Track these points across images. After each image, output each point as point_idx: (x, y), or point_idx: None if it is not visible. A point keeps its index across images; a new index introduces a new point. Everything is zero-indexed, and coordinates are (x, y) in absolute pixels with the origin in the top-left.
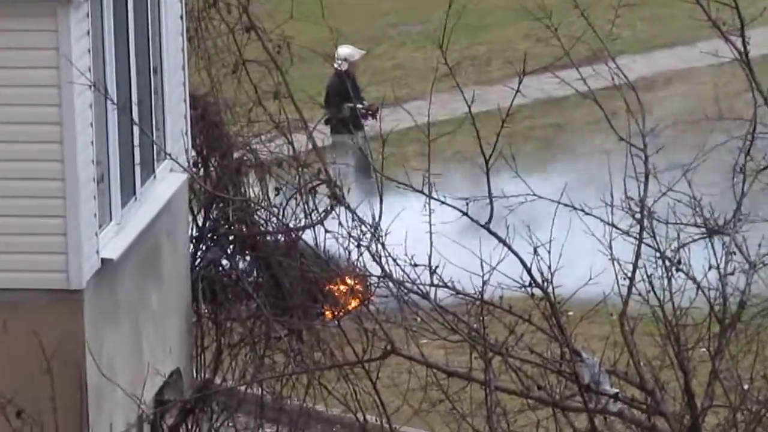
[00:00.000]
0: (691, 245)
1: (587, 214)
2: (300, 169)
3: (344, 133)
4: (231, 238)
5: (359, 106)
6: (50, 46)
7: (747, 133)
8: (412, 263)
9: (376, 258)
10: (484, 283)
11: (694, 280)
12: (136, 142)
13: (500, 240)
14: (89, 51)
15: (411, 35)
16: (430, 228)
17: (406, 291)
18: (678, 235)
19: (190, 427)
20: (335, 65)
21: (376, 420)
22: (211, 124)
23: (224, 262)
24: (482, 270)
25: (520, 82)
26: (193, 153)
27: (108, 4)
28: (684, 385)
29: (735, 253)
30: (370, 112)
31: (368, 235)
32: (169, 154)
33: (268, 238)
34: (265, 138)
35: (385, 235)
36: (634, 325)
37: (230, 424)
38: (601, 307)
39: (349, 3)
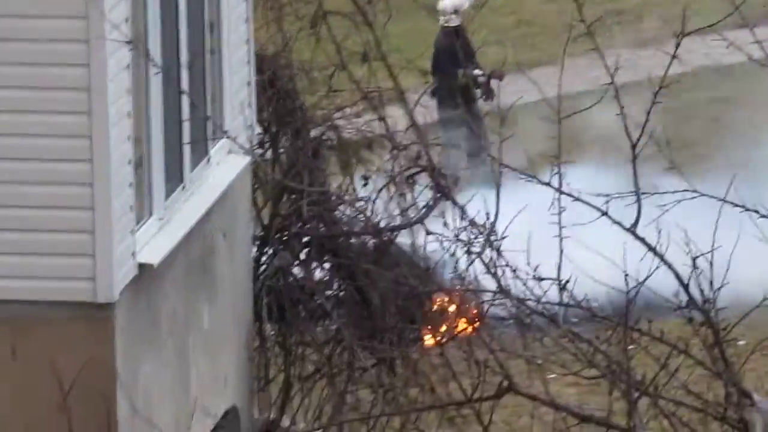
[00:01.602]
0: None
1: (762, 216)
2: (395, 153)
3: (454, 107)
4: (305, 239)
5: (476, 72)
6: None
7: None
8: (537, 276)
9: (491, 268)
10: (630, 302)
11: None
12: (186, 115)
13: (650, 248)
14: None
15: None
16: (560, 231)
17: (528, 311)
18: None
19: None
20: (441, 20)
21: None
22: (281, 93)
23: (296, 270)
24: (627, 286)
25: (677, 45)
26: (259, 130)
27: None
28: None
29: None
30: (492, 79)
31: (481, 239)
32: (227, 132)
33: (353, 240)
34: (351, 112)
35: (503, 239)
36: None
37: None
38: None
39: None
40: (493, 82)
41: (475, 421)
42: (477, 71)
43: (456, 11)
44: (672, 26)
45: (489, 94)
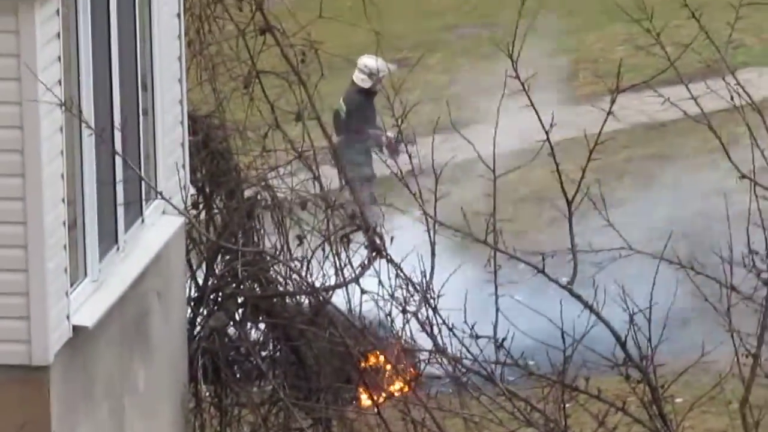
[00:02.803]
0: None
1: (699, 273)
2: (329, 212)
3: (361, 164)
4: (240, 300)
5: (388, 134)
6: (9, 52)
7: None
8: (473, 334)
9: (427, 327)
10: (566, 360)
11: None
12: (119, 176)
13: (586, 305)
14: (59, 59)
15: (474, 41)
16: (496, 289)
17: (465, 370)
18: None
19: None
20: (357, 78)
21: None
22: (215, 153)
23: (231, 330)
24: (563, 344)
25: (613, 102)
26: (193, 191)
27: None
28: None
29: None
30: (400, 142)
31: (417, 297)
32: (161, 193)
33: (288, 300)
34: (285, 171)
35: (438, 297)
36: (760, 417)
37: None
38: (717, 393)
39: None
40: (401, 145)
41: None
42: (388, 133)
43: (372, 74)
44: (606, 83)
45: (395, 154)
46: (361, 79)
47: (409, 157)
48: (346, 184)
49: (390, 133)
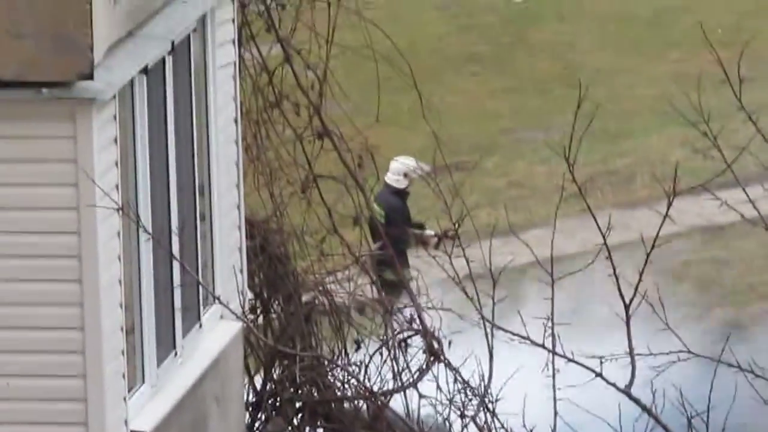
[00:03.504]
0: None
1: (757, 376)
2: (387, 317)
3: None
4: (298, 405)
5: (428, 232)
6: (67, 157)
7: None
8: None
9: (485, 431)
10: None
11: None
12: (177, 281)
13: (644, 409)
14: (116, 164)
15: (530, 144)
16: (554, 392)
17: None
18: None
19: None
20: (391, 179)
21: None
22: (273, 258)
23: None
24: None
25: (669, 205)
26: (250, 295)
27: (141, 104)
28: None
29: None
30: (444, 239)
31: (475, 402)
32: (218, 298)
33: (346, 405)
34: (343, 276)
35: (497, 401)
36: None
37: None
38: None
39: (451, 102)
40: (444, 241)
41: None
42: (428, 231)
43: (406, 174)
44: (663, 186)
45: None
46: (395, 180)
47: (466, 260)
48: (405, 289)
49: (430, 231)
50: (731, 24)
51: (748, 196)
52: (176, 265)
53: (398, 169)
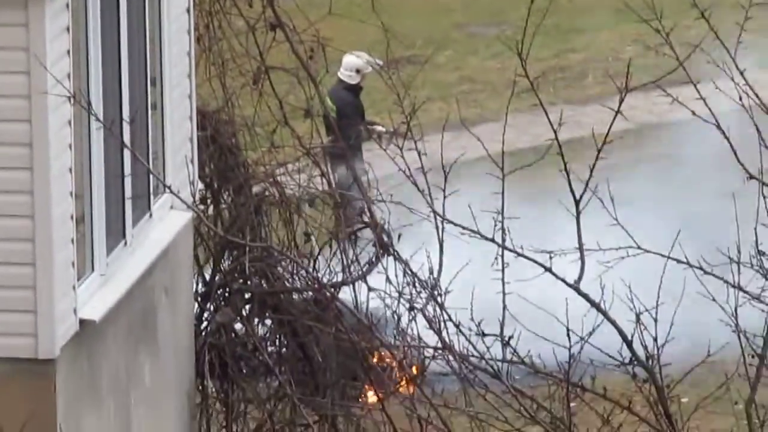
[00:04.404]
0: None
1: (706, 273)
2: (337, 209)
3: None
4: (247, 296)
5: (379, 127)
6: (19, 45)
7: None
8: (480, 332)
9: (434, 324)
10: (573, 359)
11: None
12: (128, 170)
13: (593, 304)
14: (69, 53)
15: (483, 39)
16: (503, 287)
17: (471, 367)
18: None
19: None
20: (344, 75)
21: None
22: (224, 148)
23: (238, 326)
24: (569, 342)
25: (621, 101)
26: (201, 186)
27: None
28: None
29: None
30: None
31: (424, 295)
32: (169, 187)
33: (296, 296)
34: (293, 168)
35: (445, 294)
36: (765, 417)
37: None
38: (723, 393)
39: None
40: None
41: None
42: (379, 127)
43: (358, 71)
44: (615, 82)
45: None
46: (347, 76)
47: (418, 153)
48: (354, 181)
49: (382, 127)
50: None
51: (699, 93)
52: (127, 154)
53: (351, 65)
